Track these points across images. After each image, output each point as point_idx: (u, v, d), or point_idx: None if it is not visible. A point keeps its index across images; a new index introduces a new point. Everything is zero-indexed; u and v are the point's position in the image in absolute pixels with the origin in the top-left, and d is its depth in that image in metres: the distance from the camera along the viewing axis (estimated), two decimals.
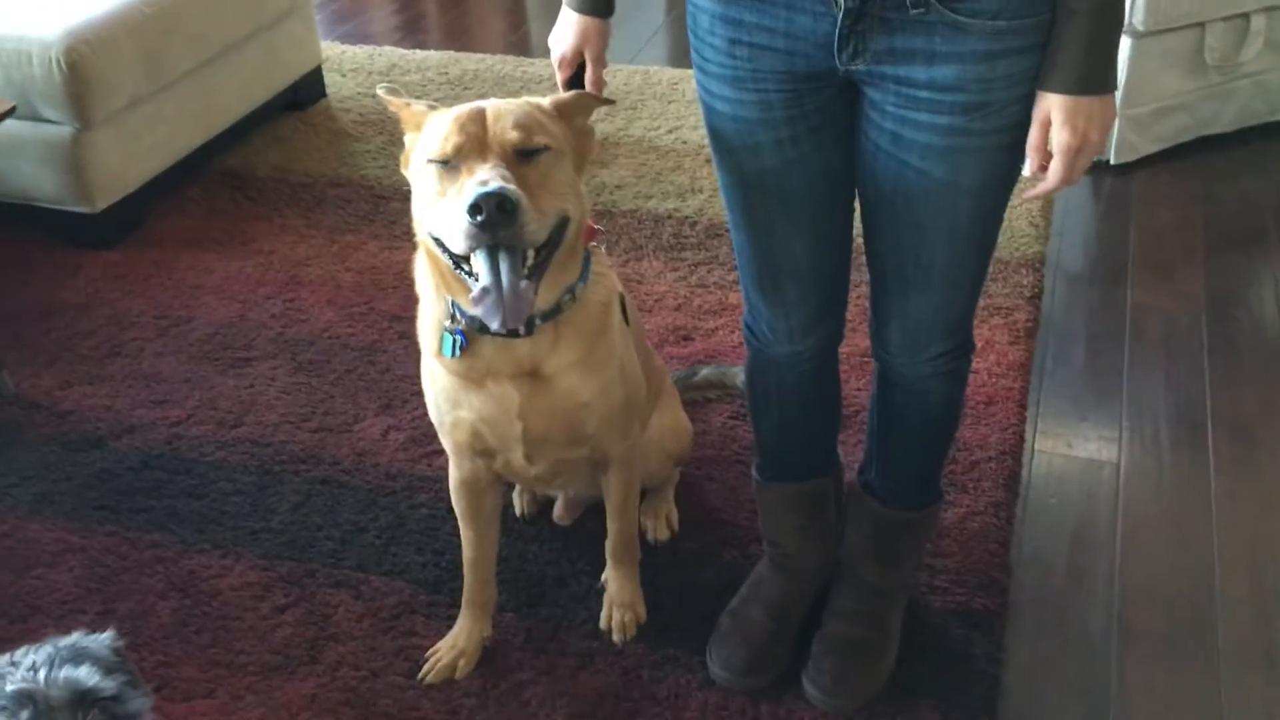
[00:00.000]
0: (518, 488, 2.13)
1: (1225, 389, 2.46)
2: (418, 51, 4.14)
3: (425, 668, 1.86)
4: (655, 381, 1.98)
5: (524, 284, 1.41)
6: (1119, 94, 1.46)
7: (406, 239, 2.95)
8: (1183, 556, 2.08)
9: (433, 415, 1.74)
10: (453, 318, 1.58)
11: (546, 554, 2.08)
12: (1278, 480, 2.23)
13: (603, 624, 1.93)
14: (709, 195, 3.16)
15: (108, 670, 1.33)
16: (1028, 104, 1.37)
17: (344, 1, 4.72)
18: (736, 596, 1.92)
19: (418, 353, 1.72)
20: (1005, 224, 1.56)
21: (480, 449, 1.71)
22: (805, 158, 1.51)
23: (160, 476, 2.28)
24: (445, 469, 1.85)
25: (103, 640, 1.39)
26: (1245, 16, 3.15)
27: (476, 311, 1.43)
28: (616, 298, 1.70)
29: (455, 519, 1.87)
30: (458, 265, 1.47)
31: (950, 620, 1.93)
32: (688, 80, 3.77)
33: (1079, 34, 1.31)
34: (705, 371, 2.42)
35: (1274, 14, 3.17)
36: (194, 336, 2.69)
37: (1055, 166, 1.37)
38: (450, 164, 1.44)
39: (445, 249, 1.46)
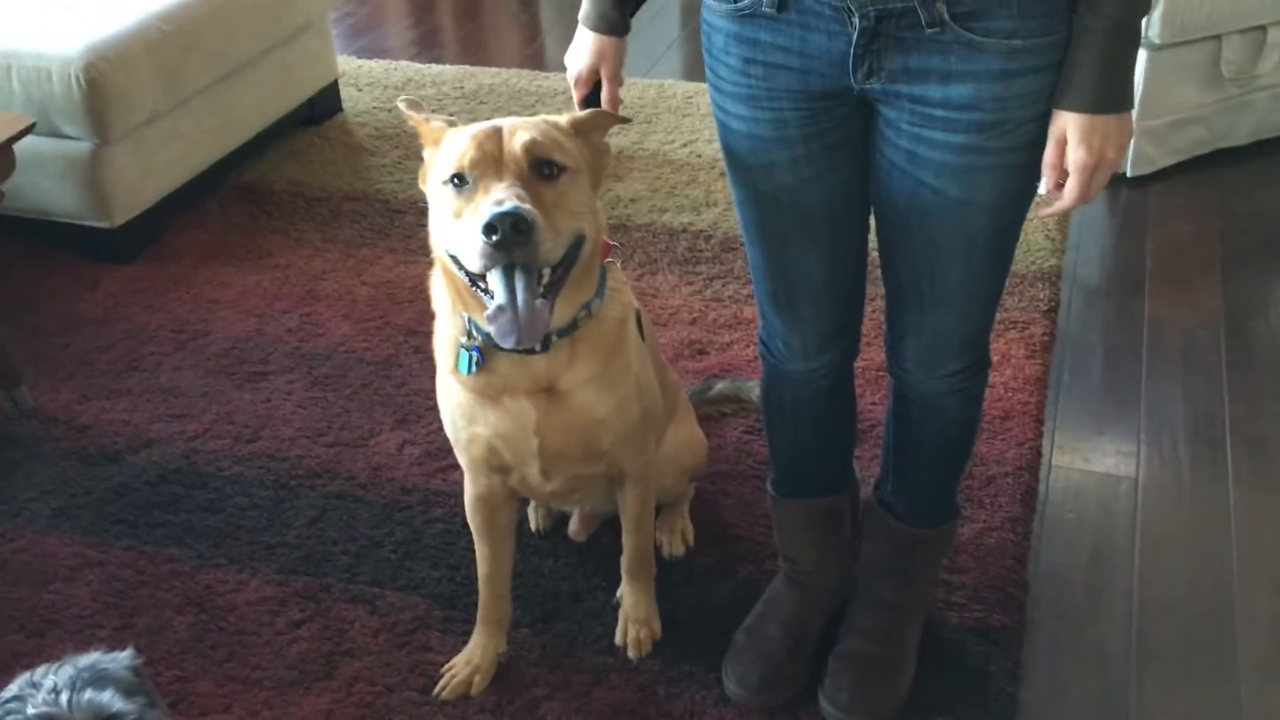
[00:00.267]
0: (533, 503, 2.13)
1: (1243, 403, 2.45)
2: (433, 66, 4.15)
3: (440, 684, 1.86)
4: (670, 396, 1.98)
5: (539, 302, 1.42)
6: (1135, 107, 1.46)
7: (422, 253, 2.96)
8: (1202, 572, 2.07)
9: (448, 431, 1.74)
10: (469, 334, 1.58)
11: (561, 569, 2.08)
12: None
13: (618, 640, 1.92)
14: (724, 209, 3.16)
15: (128, 693, 1.33)
16: (1043, 122, 1.37)
17: (360, 16, 4.75)
18: (752, 613, 1.91)
19: (433, 367, 1.72)
20: (1021, 238, 1.55)
21: (496, 465, 1.72)
22: (820, 176, 1.51)
23: (177, 491, 2.29)
24: (460, 484, 1.86)
25: (122, 660, 1.39)
26: (1262, 29, 3.13)
27: (491, 330, 1.44)
28: (633, 313, 1.71)
29: (470, 534, 1.87)
30: (474, 283, 1.48)
31: (967, 637, 1.92)
32: (702, 94, 3.78)
33: (1095, 52, 1.30)
34: (720, 386, 2.42)
35: None
36: (211, 351, 2.70)
37: (1071, 185, 1.36)
38: (466, 182, 1.44)
39: (462, 267, 1.47)
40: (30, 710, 1.28)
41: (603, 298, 1.61)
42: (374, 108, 3.82)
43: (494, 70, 4.09)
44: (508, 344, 1.43)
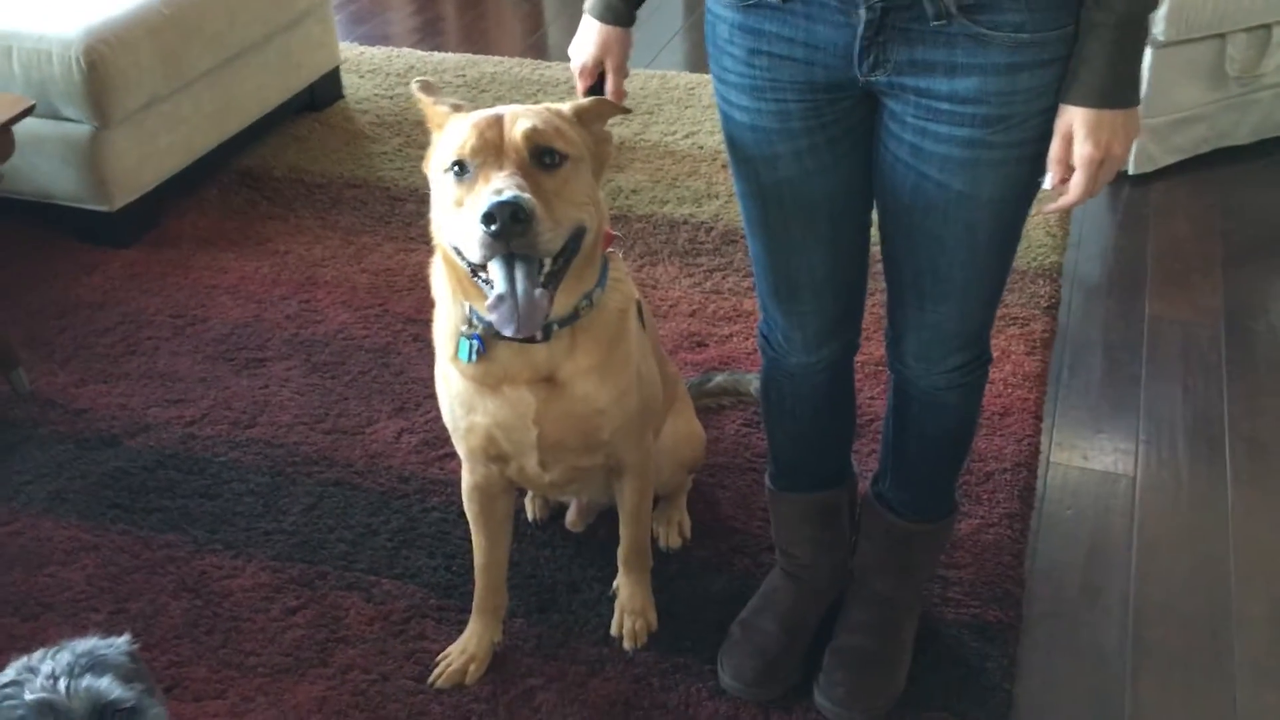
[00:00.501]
0: (530, 493, 2.12)
1: (1243, 402, 2.45)
2: (435, 53, 4.14)
3: (435, 672, 1.86)
4: (669, 388, 1.97)
5: (539, 292, 1.41)
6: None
7: (422, 241, 2.95)
8: (1199, 571, 2.07)
9: (447, 420, 1.73)
10: (470, 322, 1.57)
11: (558, 560, 2.08)
12: None
13: (614, 631, 1.92)
14: (725, 200, 3.16)
15: (126, 679, 1.33)
16: (1049, 117, 1.36)
17: (362, 3, 4.73)
18: (748, 606, 1.91)
19: (431, 355, 1.72)
20: (1022, 234, 1.55)
21: (494, 454, 1.71)
22: (824, 169, 1.50)
23: (174, 476, 2.28)
24: (458, 473, 1.85)
25: (119, 646, 1.38)
26: (1267, 28, 3.12)
27: (491, 319, 1.43)
28: (634, 304, 1.70)
29: (467, 523, 1.87)
30: (475, 272, 1.47)
31: (963, 633, 1.91)
32: (705, 85, 3.77)
33: (1102, 47, 1.30)
34: (719, 378, 2.41)
35: None
36: (209, 336, 2.70)
37: (1077, 180, 1.36)
38: (467, 170, 1.43)
39: (463, 256, 1.46)
40: (28, 696, 1.27)
41: (604, 288, 1.61)
42: (375, 95, 3.81)
43: (496, 59, 4.08)
44: (507, 333, 1.42)
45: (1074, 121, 1.34)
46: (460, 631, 1.91)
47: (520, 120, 1.45)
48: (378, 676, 1.87)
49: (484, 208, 1.35)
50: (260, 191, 3.28)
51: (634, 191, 3.22)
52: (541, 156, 1.44)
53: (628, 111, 1.66)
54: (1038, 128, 1.37)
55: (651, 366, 1.77)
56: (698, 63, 4.06)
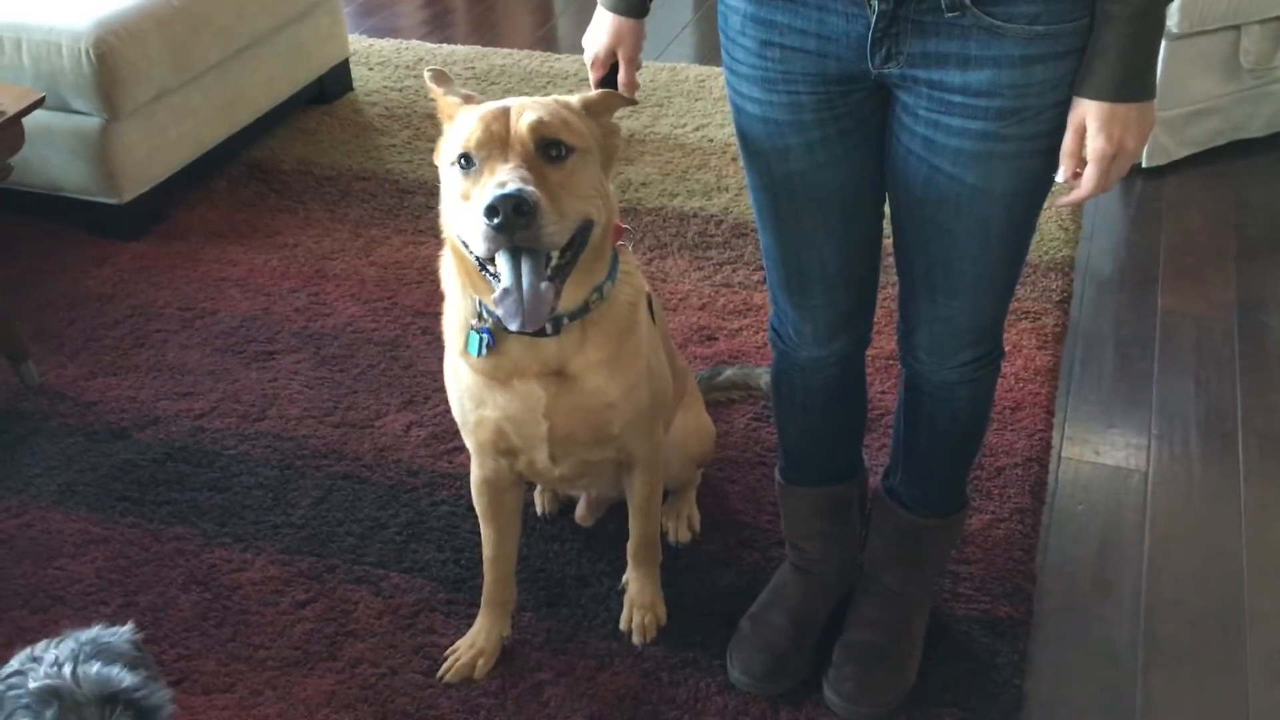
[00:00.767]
0: (539, 487, 2.12)
1: (1256, 397, 2.43)
2: (445, 46, 4.13)
3: (444, 666, 1.86)
4: (679, 382, 1.96)
5: (545, 286, 1.40)
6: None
7: (431, 234, 2.95)
8: (1211, 567, 2.05)
9: (456, 414, 1.73)
10: (479, 316, 1.57)
11: (567, 554, 2.07)
12: None
13: (623, 625, 1.92)
14: (735, 193, 3.15)
15: (132, 667, 1.32)
16: (1063, 110, 1.35)
17: None
18: (758, 601, 1.90)
19: (440, 349, 1.71)
20: (1036, 228, 1.54)
21: (504, 448, 1.71)
22: (835, 161, 1.49)
23: (183, 469, 2.28)
24: (466, 466, 1.85)
25: (123, 634, 1.38)
26: None
27: (498, 312, 1.42)
28: (644, 298, 1.69)
29: (476, 517, 1.87)
30: (483, 265, 1.47)
31: (974, 628, 1.91)
32: (715, 77, 3.76)
33: (1117, 39, 1.28)
34: (729, 372, 2.40)
35: None
36: (218, 329, 2.70)
37: (1090, 174, 1.34)
38: (473, 163, 1.43)
39: (470, 249, 1.45)
40: (32, 684, 1.27)
41: (614, 281, 1.60)
42: (384, 87, 3.81)
43: (506, 51, 4.07)
44: (513, 326, 1.41)
45: (1087, 115, 1.32)
46: (469, 625, 1.91)
47: (526, 112, 1.44)
48: (386, 670, 1.87)
49: (487, 200, 1.34)
50: (269, 184, 3.28)
51: (644, 184, 3.21)
52: (548, 149, 1.43)
53: (635, 104, 1.66)
54: (1051, 121, 1.36)
55: (661, 360, 1.76)
56: (708, 55, 4.05)
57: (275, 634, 1.93)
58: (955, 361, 1.62)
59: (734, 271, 2.84)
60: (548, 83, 3.81)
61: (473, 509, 1.87)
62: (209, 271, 2.91)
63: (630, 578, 1.94)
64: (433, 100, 1.59)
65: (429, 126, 3.45)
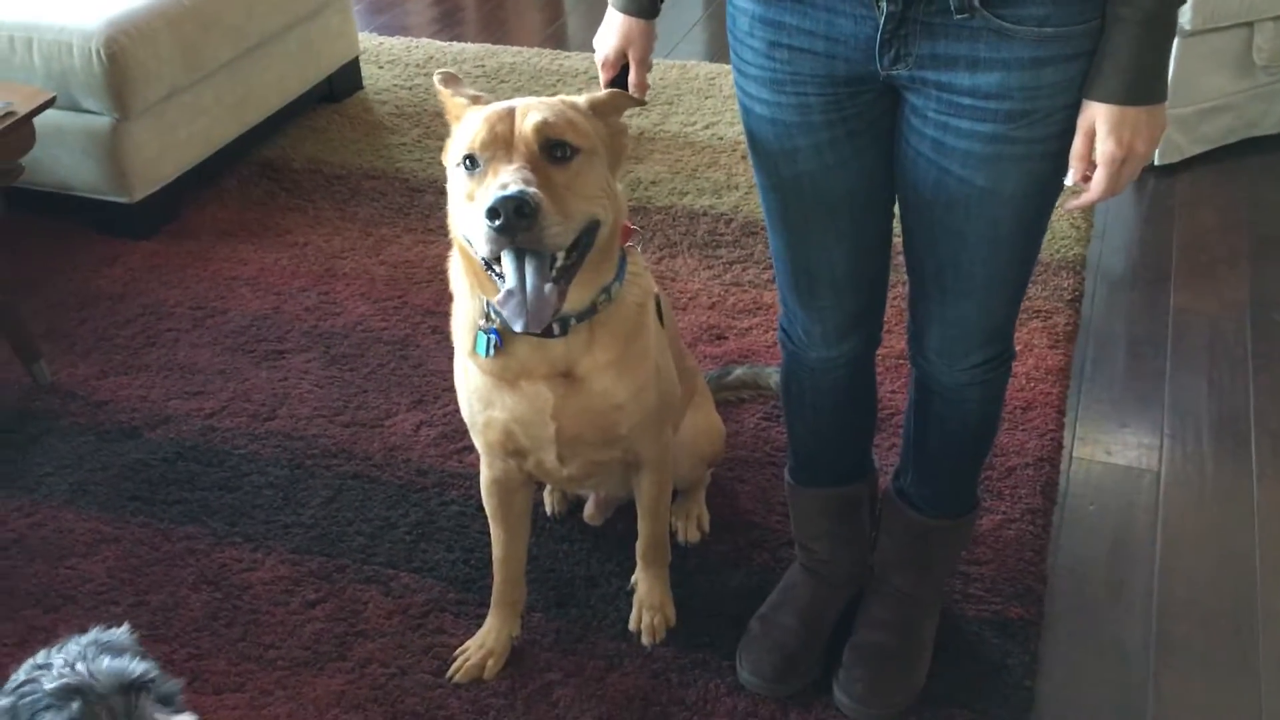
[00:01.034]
0: (548, 486, 2.12)
1: (1270, 396, 2.42)
2: (454, 44, 4.13)
3: (454, 667, 1.86)
4: (688, 382, 1.96)
5: (548, 287, 1.40)
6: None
7: (440, 233, 2.95)
8: (1224, 568, 2.04)
9: (465, 414, 1.73)
10: (487, 316, 1.57)
11: (576, 554, 2.07)
12: None
13: (632, 626, 1.91)
14: (745, 192, 3.14)
15: (140, 656, 1.33)
16: (1073, 112, 1.34)
17: None
18: (767, 601, 1.90)
19: (450, 348, 1.71)
20: (1047, 229, 1.53)
21: (512, 449, 1.70)
22: (844, 163, 1.49)
23: (194, 469, 2.29)
24: (476, 466, 1.85)
25: (120, 633, 1.39)
26: None
27: (502, 313, 1.42)
28: (652, 299, 1.69)
29: (485, 517, 1.87)
30: (489, 266, 1.46)
31: (985, 629, 1.90)
32: (725, 75, 3.75)
33: (1127, 42, 1.27)
34: (739, 371, 2.40)
35: None
36: (229, 328, 2.70)
37: (1099, 177, 1.33)
38: (478, 164, 1.42)
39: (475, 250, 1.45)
40: (49, 685, 1.27)
41: (622, 282, 1.60)
42: (394, 85, 3.81)
43: (515, 49, 4.07)
44: (516, 328, 1.41)
45: (1097, 118, 1.31)
46: (479, 625, 1.91)
47: (531, 113, 1.43)
48: (396, 670, 1.87)
49: (489, 202, 1.34)
50: (279, 183, 3.28)
51: (653, 183, 3.21)
52: (552, 150, 1.43)
53: (644, 104, 1.65)
54: (1061, 123, 1.35)
55: (669, 361, 1.76)
56: (718, 52, 4.04)
57: (285, 634, 1.93)
58: (965, 363, 1.61)
59: (744, 270, 2.83)
60: (557, 80, 3.80)
61: (482, 509, 1.87)
62: (219, 270, 2.91)
63: (639, 578, 1.94)
64: (441, 99, 1.59)
65: (439, 124, 3.45)
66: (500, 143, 1.42)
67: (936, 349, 1.62)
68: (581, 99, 1.52)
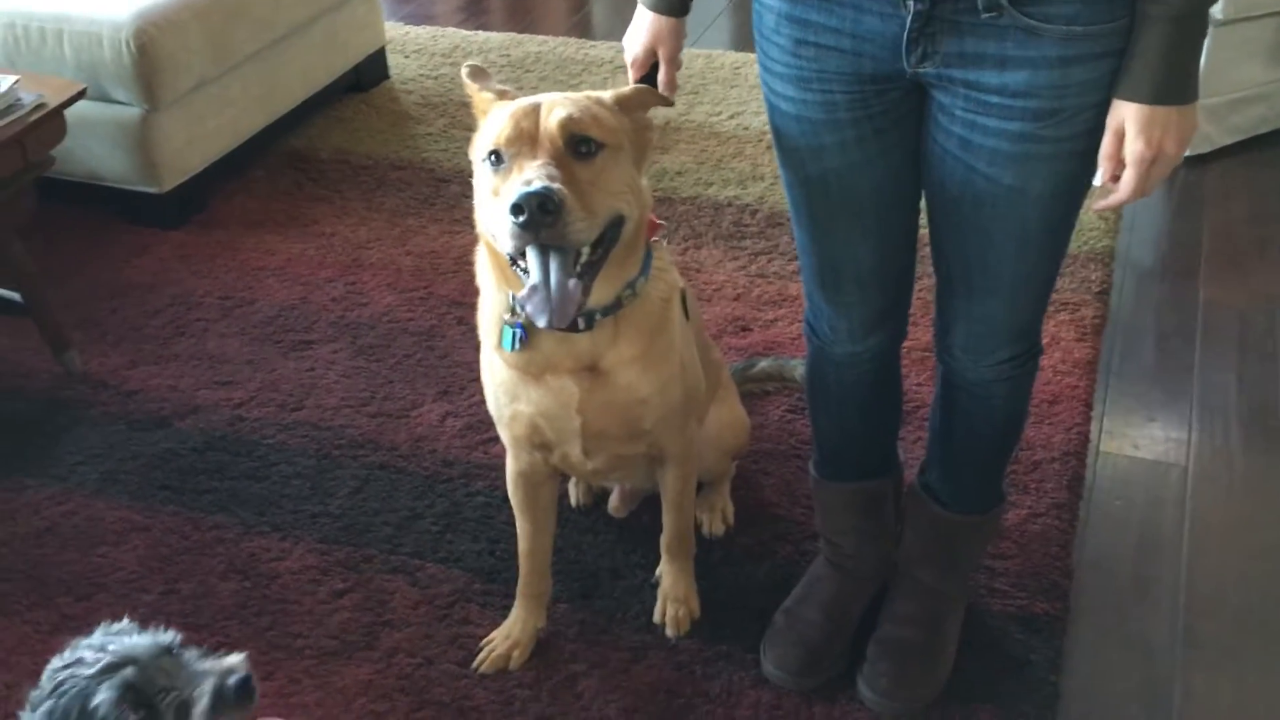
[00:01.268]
0: (573, 478, 2.13)
1: None
2: (480, 33, 4.14)
3: (480, 657, 1.87)
4: (713, 375, 1.96)
5: (572, 283, 1.40)
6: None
7: (467, 224, 2.94)
8: (1252, 564, 2.03)
9: (491, 408, 1.74)
10: (513, 311, 1.57)
11: (601, 546, 2.08)
12: None
13: (656, 618, 1.92)
14: (770, 183, 3.13)
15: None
16: (1101, 111, 1.33)
17: None
18: (792, 595, 1.90)
19: (476, 339, 1.72)
20: (1075, 226, 1.52)
21: (538, 442, 1.71)
22: (870, 160, 1.48)
23: (223, 458, 2.31)
24: (502, 457, 1.86)
25: (129, 625, 1.37)
26: None
27: (526, 308, 1.43)
28: (678, 294, 1.69)
29: (511, 508, 1.88)
30: (514, 261, 1.47)
31: (1009, 624, 1.90)
32: (750, 64, 3.73)
33: (1156, 41, 1.26)
34: (764, 364, 2.40)
35: None
36: (257, 318, 2.72)
37: (1128, 178, 1.32)
38: (503, 160, 1.43)
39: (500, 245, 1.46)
40: (87, 671, 1.26)
41: (648, 277, 1.60)
42: (420, 75, 3.82)
43: (541, 38, 4.06)
44: (540, 323, 1.41)
45: (1126, 117, 1.30)
46: (504, 616, 1.92)
47: (556, 109, 1.43)
48: (423, 660, 1.88)
49: (513, 198, 1.35)
50: (306, 173, 3.30)
51: (678, 173, 3.20)
52: (577, 145, 1.43)
53: (671, 104, 1.64)
54: (1089, 122, 1.34)
55: (694, 356, 1.76)
56: (743, 42, 4.02)
57: (313, 623, 1.95)
58: (992, 360, 1.61)
59: (769, 262, 2.83)
60: (583, 70, 3.80)
61: (508, 500, 1.88)
62: (247, 260, 2.93)
63: (664, 570, 1.95)
64: (469, 94, 1.59)
65: (465, 114, 3.45)
66: (525, 138, 1.42)
67: (963, 345, 1.62)
68: (607, 94, 1.52)
